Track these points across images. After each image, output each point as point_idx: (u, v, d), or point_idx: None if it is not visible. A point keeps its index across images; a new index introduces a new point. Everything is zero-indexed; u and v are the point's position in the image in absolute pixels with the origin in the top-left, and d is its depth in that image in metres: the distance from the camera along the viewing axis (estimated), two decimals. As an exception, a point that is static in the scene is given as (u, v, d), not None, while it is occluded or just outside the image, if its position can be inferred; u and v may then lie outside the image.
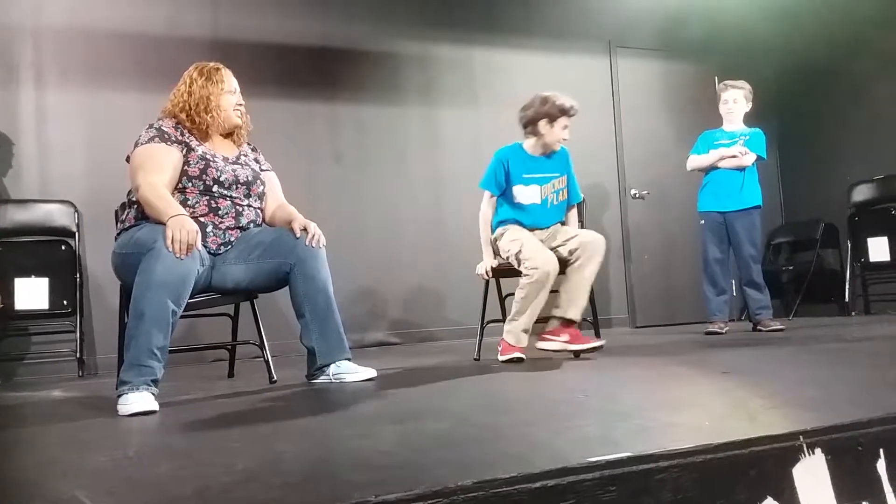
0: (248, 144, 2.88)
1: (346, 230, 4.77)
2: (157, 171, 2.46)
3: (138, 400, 2.14)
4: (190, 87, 2.66)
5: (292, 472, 1.30)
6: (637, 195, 5.66)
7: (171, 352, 2.32)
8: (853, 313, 5.39)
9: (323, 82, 4.83)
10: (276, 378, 2.78)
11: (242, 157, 2.76)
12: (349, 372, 2.63)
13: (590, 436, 1.43)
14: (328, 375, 2.63)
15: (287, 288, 2.67)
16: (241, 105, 2.77)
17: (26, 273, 3.99)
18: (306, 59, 4.81)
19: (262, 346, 2.87)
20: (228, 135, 2.77)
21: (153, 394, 2.19)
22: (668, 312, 5.58)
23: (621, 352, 3.50)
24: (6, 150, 4.08)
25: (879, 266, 5.27)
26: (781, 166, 5.72)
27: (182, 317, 2.36)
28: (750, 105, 4.48)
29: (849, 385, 2.04)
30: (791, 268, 5.65)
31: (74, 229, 4.13)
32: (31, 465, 1.61)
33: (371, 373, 2.66)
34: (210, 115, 2.63)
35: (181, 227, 2.28)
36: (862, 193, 5.40)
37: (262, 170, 2.85)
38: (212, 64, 2.75)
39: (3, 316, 3.84)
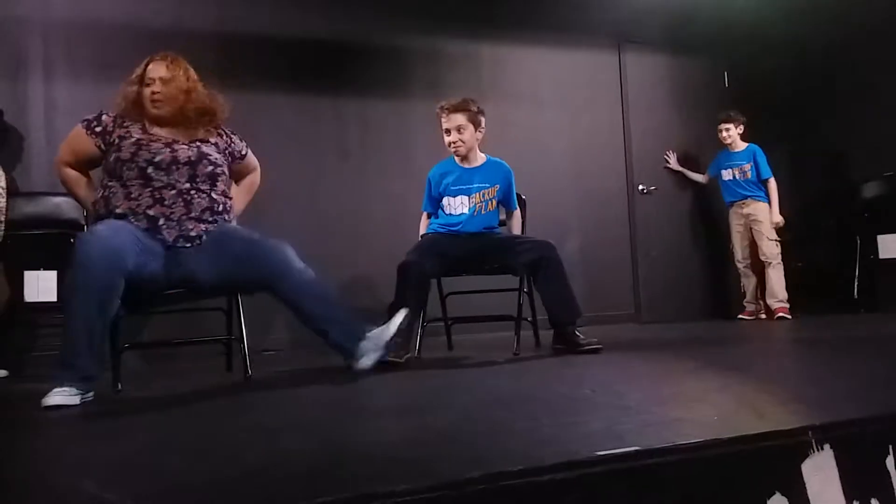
0: (227, 132, 2.86)
1: (352, 225, 4.77)
2: (71, 154, 2.68)
3: (57, 395, 2.22)
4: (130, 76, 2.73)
5: (300, 465, 1.30)
6: (645, 190, 5.64)
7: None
8: (862, 310, 5.36)
9: (328, 77, 4.82)
10: (250, 373, 2.77)
11: (196, 142, 2.69)
12: (379, 335, 2.64)
13: (597, 430, 1.43)
14: (369, 355, 2.59)
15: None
16: (155, 93, 2.68)
17: (35, 266, 4.00)
18: (312, 54, 4.80)
19: (241, 341, 2.86)
20: (190, 122, 2.72)
21: (78, 389, 2.26)
22: (675, 308, 5.56)
23: (628, 347, 3.49)
24: (15, 143, 4.09)
25: (889, 263, 5.23)
26: (790, 162, 5.69)
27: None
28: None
29: (858, 381, 2.03)
30: (800, 264, 5.62)
31: (83, 222, 4.14)
32: (39, 457, 1.62)
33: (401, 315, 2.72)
34: (133, 104, 2.68)
35: None
36: (872, 190, 5.36)
37: (240, 154, 2.87)
38: (155, 54, 2.77)
39: (10, 309, 3.85)
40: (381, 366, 2.89)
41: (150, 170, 2.55)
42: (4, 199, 3.79)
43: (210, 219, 2.63)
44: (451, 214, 3.42)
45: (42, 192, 4.11)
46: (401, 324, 2.71)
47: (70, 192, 2.77)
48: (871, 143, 5.41)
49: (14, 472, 1.47)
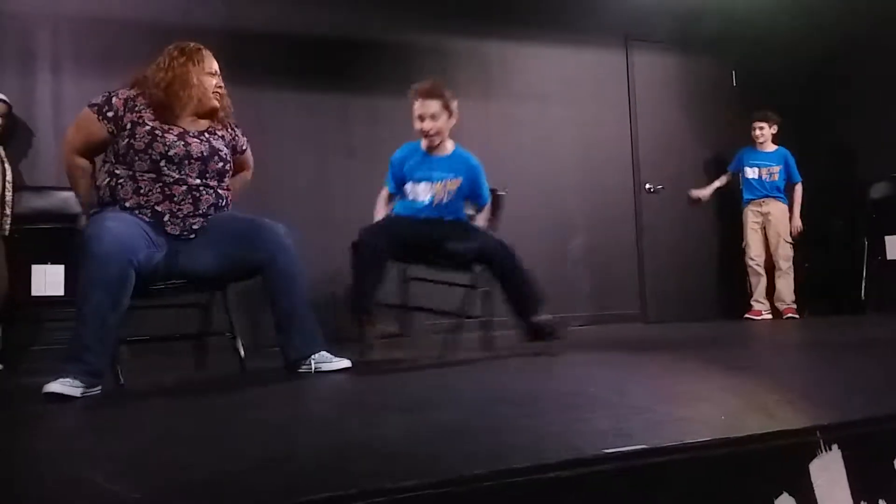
0: (231, 125, 2.83)
1: (359, 222, 4.76)
2: (83, 140, 2.63)
3: (59, 384, 2.22)
4: (169, 63, 2.64)
5: (306, 459, 1.30)
6: (652, 189, 5.63)
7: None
8: (870, 311, 5.34)
9: (335, 74, 4.82)
10: (246, 367, 2.80)
11: (206, 134, 2.69)
12: (326, 361, 2.67)
13: (602, 428, 1.43)
14: (309, 365, 2.65)
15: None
16: (220, 88, 2.73)
17: (42, 260, 4.01)
18: (319, 49, 4.80)
19: (234, 336, 2.88)
20: (204, 116, 2.72)
21: (83, 382, 2.26)
22: (681, 308, 5.55)
23: (633, 346, 3.49)
24: (23, 137, 4.11)
25: (896, 264, 5.22)
26: (798, 162, 5.65)
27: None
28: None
29: (866, 382, 2.03)
30: (807, 265, 5.60)
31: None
32: (46, 449, 1.62)
33: (346, 363, 2.70)
34: (186, 93, 2.62)
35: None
36: (880, 191, 5.34)
37: (241, 149, 2.85)
38: (193, 44, 2.73)
39: (11, 303, 3.84)
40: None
41: (162, 163, 2.54)
42: (11, 193, 3.81)
43: (212, 213, 2.66)
44: (413, 200, 3.35)
45: (49, 187, 4.12)
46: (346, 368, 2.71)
47: (73, 183, 2.68)
48: (879, 143, 5.38)
49: (21, 465, 1.47)
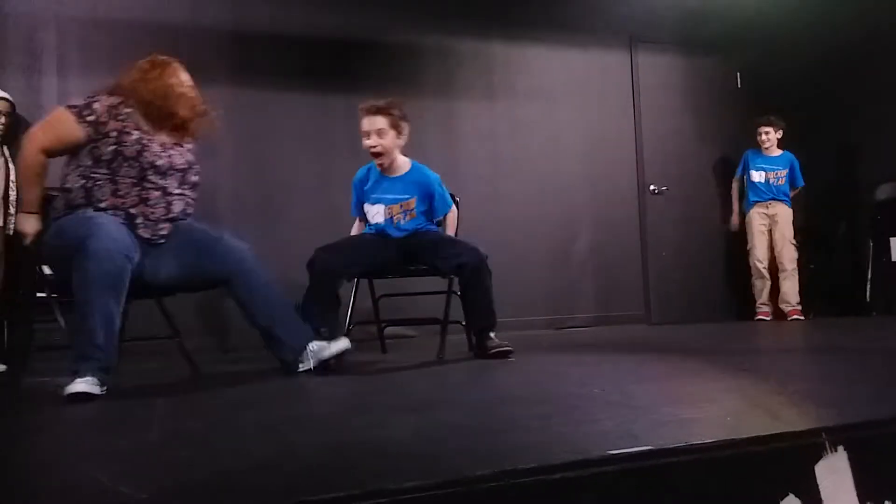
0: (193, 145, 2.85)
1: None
2: (55, 140, 2.57)
3: (81, 383, 2.22)
4: (143, 77, 2.66)
5: (309, 459, 1.30)
6: (656, 191, 5.62)
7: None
8: (874, 313, 5.32)
9: (341, 75, 4.82)
10: (199, 371, 2.81)
11: (181, 146, 2.72)
12: (324, 348, 2.67)
13: (608, 429, 1.42)
14: (308, 361, 2.65)
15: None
16: (191, 98, 2.73)
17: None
18: (325, 51, 4.81)
19: (174, 336, 2.91)
20: (175, 128, 2.72)
21: (99, 379, 2.26)
22: (685, 309, 5.54)
23: (637, 348, 3.47)
24: (27, 137, 4.11)
25: (901, 266, 5.20)
26: (803, 164, 5.65)
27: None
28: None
29: (871, 383, 2.02)
30: (812, 267, 5.59)
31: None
32: (51, 448, 1.62)
33: (345, 343, 2.69)
34: (160, 105, 2.63)
35: (21, 226, 2.61)
36: (885, 192, 5.33)
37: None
38: (164, 57, 2.75)
39: (9, 302, 3.83)
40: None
41: (149, 171, 2.57)
42: (15, 193, 3.81)
43: (181, 218, 2.68)
44: (369, 224, 3.33)
45: (53, 187, 4.11)
46: (346, 350, 2.71)
47: (31, 179, 2.61)
48: (883, 145, 5.37)
49: (28, 460, 1.47)
